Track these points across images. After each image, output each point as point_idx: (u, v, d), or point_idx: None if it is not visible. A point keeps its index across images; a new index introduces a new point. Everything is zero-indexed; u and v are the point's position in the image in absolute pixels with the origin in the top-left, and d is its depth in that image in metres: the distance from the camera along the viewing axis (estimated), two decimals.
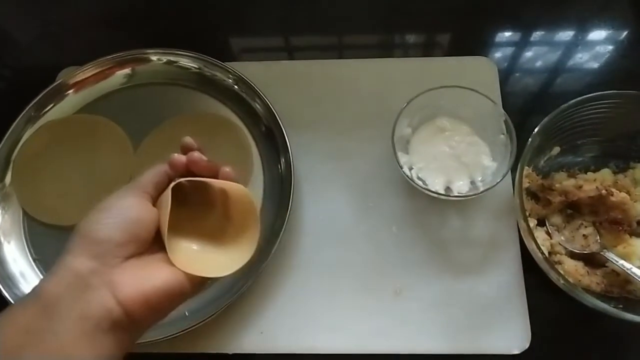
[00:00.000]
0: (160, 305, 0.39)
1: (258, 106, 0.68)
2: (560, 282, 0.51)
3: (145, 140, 0.67)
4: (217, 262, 0.43)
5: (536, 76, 0.73)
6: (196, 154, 0.44)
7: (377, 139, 0.61)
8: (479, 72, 0.70)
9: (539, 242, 0.57)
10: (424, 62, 0.72)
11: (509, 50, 0.75)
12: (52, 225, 0.64)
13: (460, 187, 0.61)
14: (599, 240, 0.57)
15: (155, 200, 0.44)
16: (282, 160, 0.64)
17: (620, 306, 0.52)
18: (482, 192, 0.58)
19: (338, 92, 0.70)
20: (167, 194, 0.42)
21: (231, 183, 0.44)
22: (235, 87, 0.69)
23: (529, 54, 0.75)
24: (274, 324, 0.59)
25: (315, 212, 0.64)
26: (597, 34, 0.76)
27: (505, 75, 0.71)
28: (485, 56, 0.72)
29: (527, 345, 0.56)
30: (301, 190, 0.65)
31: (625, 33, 0.76)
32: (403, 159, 0.61)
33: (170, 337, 0.56)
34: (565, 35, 0.76)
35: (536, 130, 0.56)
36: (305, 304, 0.60)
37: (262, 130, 0.67)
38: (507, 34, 0.77)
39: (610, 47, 0.75)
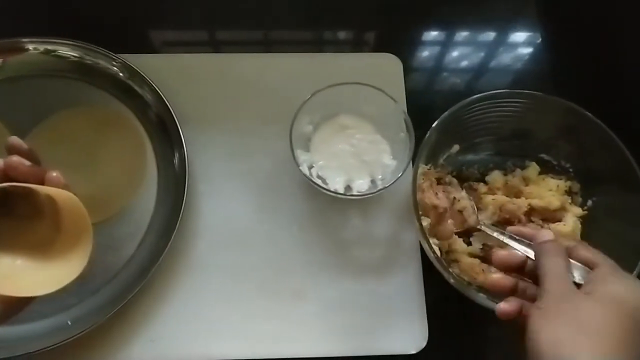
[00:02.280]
0: None
1: (148, 95, 0.64)
2: (451, 281, 0.51)
3: (29, 136, 0.62)
4: (39, 278, 0.39)
5: (443, 75, 0.74)
6: (15, 158, 0.39)
7: (279, 137, 0.60)
8: (384, 70, 0.70)
9: (437, 239, 0.57)
10: (330, 58, 0.71)
11: (418, 49, 0.75)
12: None
13: (361, 185, 0.60)
14: (475, 212, 0.57)
15: None
16: (177, 156, 0.61)
17: None
18: (379, 190, 0.57)
19: (240, 88, 0.68)
20: None
21: (60, 190, 0.40)
22: (121, 74, 0.65)
23: (438, 53, 0.75)
24: (166, 331, 0.56)
25: (212, 213, 0.61)
26: (505, 37, 0.78)
27: (413, 74, 0.71)
28: (395, 54, 0.71)
29: (424, 345, 0.56)
30: (198, 190, 0.62)
31: (531, 37, 0.78)
32: (303, 157, 0.60)
33: (50, 349, 0.52)
34: (475, 36, 0.77)
35: (432, 127, 0.56)
36: (200, 310, 0.57)
37: (154, 122, 0.64)
38: (418, 32, 0.77)
39: (518, 50, 0.76)
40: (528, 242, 0.46)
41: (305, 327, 0.57)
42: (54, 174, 0.40)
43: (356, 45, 0.76)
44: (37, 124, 0.62)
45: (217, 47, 0.75)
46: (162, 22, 0.75)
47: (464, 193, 0.58)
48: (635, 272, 0.50)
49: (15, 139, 0.41)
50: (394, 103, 0.59)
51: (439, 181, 0.59)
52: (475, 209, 0.57)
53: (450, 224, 0.57)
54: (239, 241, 0.60)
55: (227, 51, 0.73)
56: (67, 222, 0.41)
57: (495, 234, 0.51)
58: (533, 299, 0.41)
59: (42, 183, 0.40)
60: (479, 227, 0.55)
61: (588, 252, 0.42)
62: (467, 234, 0.59)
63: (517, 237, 0.48)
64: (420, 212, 0.54)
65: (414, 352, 0.56)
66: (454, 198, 0.57)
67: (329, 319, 0.57)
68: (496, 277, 0.46)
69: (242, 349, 0.56)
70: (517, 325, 0.42)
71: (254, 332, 0.56)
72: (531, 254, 0.45)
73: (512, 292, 0.45)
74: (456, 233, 0.57)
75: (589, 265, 0.41)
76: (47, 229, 0.42)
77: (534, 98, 0.58)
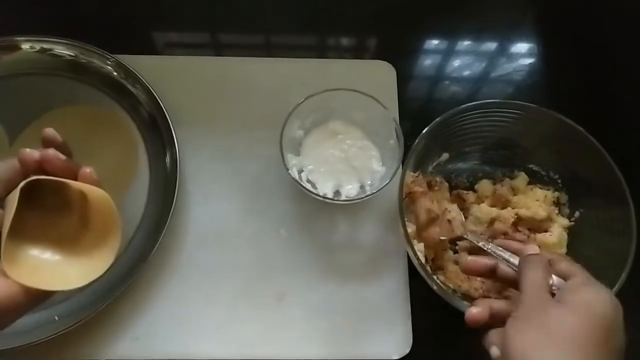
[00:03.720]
0: None
1: (141, 95, 0.65)
2: (434, 287, 0.51)
3: (23, 134, 0.62)
4: (65, 273, 0.39)
5: (437, 84, 0.75)
6: (51, 152, 0.39)
7: (270, 141, 0.60)
8: (378, 77, 0.70)
9: (423, 246, 0.57)
10: (324, 64, 0.72)
11: (412, 58, 0.76)
12: None
13: (349, 190, 0.61)
14: (462, 223, 0.57)
15: (2, 200, 0.39)
16: (168, 155, 0.62)
17: None
18: (367, 196, 0.58)
19: (233, 91, 0.68)
20: (15, 195, 0.37)
21: (92, 187, 0.40)
22: (115, 74, 0.66)
23: (432, 62, 0.76)
24: (151, 329, 0.57)
25: (200, 213, 0.62)
26: (501, 48, 0.78)
27: (407, 82, 0.72)
28: (389, 62, 0.72)
29: (407, 351, 0.57)
30: (187, 190, 0.63)
31: (527, 48, 0.78)
32: (293, 161, 0.60)
33: (37, 343, 0.52)
34: (470, 47, 0.78)
35: (421, 134, 0.56)
36: (185, 309, 0.58)
37: (147, 122, 0.64)
38: (412, 41, 0.77)
39: (513, 61, 0.77)
40: (510, 253, 0.48)
41: (289, 330, 0.57)
42: (88, 170, 0.40)
43: (351, 52, 0.77)
44: (31, 122, 0.63)
45: (212, 49, 0.76)
46: (157, 23, 0.76)
47: (455, 206, 0.59)
48: (619, 282, 0.50)
49: (51, 131, 0.41)
50: (385, 110, 0.60)
51: (430, 185, 0.59)
52: (464, 220, 0.58)
53: (436, 232, 0.57)
54: (226, 242, 0.60)
55: (221, 54, 0.74)
56: (96, 218, 0.41)
57: (480, 244, 0.52)
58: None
59: (74, 178, 0.40)
60: (465, 236, 0.56)
61: (566, 264, 0.43)
62: (452, 242, 0.59)
63: (501, 248, 0.49)
64: (411, 215, 0.54)
65: (396, 357, 0.56)
66: (445, 208, 0.57)
67: (313, 322, 0.58)
68: (471, 259, 0.49)
69: (225, 349, 0.56)
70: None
71: (237, 333, 0.57)
72: (514, 264, 0.46)
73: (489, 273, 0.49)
74: (442, 241, 0.57)
75: (565, 277, 0.42)
76: (74, 224, 0.42)
77: (524, 109, 0.58)
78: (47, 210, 0.41)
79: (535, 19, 0.80)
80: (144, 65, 0.66)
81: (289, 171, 0.58)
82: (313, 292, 0.59)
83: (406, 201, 0.57)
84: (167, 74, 0.67)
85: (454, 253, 0.59)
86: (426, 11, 0.79)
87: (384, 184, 0.57)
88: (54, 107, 0.64)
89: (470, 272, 0.50)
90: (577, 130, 0.57)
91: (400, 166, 0.56)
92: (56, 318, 0.55)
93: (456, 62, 0.76)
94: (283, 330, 0.57)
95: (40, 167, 0.39)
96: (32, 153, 0.39)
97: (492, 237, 0.57)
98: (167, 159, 0.62)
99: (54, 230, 0.41)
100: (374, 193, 0.57)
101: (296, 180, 0.58)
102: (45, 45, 0.66)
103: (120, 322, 0.57)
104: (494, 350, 0.41)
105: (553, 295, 0.41)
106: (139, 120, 0.65)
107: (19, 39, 0.66)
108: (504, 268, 0.47)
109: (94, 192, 0.40)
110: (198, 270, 0.59)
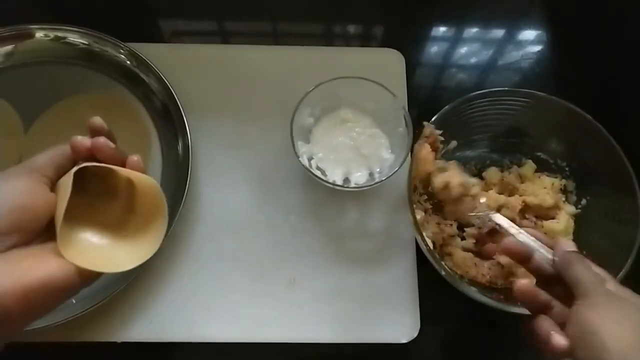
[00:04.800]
0: (42, 301, 0.36)
1: (154, 83, 0.66)
2: (442, 273, 0.52)
3: (38, 120, 0.64)
4: (115, 256, 0.40)
5: (446, 72, 0.75)
6: (102, 140, 0.40)
7: (280, 128, 0.61)
8: (387, 65, 0.71)
9: (431, 233, 0.58)
10: (334, 52, 0.72)
11: (421, 45, 0.76)
12: None
13: (358, 178, 0.61)
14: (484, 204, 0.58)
15: (54, 185, 0.40)
16: (180, 143, 0.63)
17: (502, 297, 0.54)
18: (376, 183, 0.59)
19: (244, 79, 0.69)
20: (68, 179, 0.38)
21: (139, 174, 0.42)
22: (128, 62, 0.67)
23: (441, 50, 0.76)
24: (164, 313, 0.58)
25: (213, 200, 0.63)
26: (510, 36, 0.78)
27: (416, 70, 0.72)
28: (398, 49, 0.72)
29: (415, 335, 0.58)
30: (199, 177, 0.64)
31: (536, 36, 0.78)
32: (303, 148, 0.61)
33: (55, 325, 0.53)
34: (479, 34, 0.78)
35: (430, 121, 0.57)
36: (197, 293, 0.59)
37: (159, 110, 0.65)
38: (422, 29, 0.78)
39: (522, 48, 0.77)
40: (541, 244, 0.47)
41: (299, 314, 0.58)
42: (135, 158, 0.42)
43: (360, 40, 0.77)
44: (46, 109, 0.64)
45: (223, 38, 0.76)
46: (170, 12, 0.76)
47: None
48: (624, 270, 0.51)
49: (98, 120, 0.42)
50: (394, 98, 0.60)
51: None
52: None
53: (466, 207, 0.58)
54: (237, 228, 0.62)
55: (232, 42, 0.74)
56: (142, 204, 0.43)
57: (511, 229, 0.51)
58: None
59: (122, 166, 0.42)
60: (492, 217, 0.54)
61: (599, 268, 0.43)
62: (460, 228, 0.60)
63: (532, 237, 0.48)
64: (436, 189, 0.57)
65: (405, 341, 0.57)
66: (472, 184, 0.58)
67: (322, 306, 0.59)
68: (523, 282, 0.44)
69: (235, 332, 0.58)
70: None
71: (248, 317, 0.58)
72: (545, 255, 0.45)
73: (522, 258, 0.46)
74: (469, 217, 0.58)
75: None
76: (120, 210, 0.43)
77: (532, 97, 0.59)
78: (93, 195, 0.43)
79: (543, 5, 0.80)
80: (154, 53, 0.66)
81: (299, 158, 0.58)
82: (323, 278, 0.60)
83: (426, 178, 0.59)
84: (178, 62, 0.68)
85: (462, 240, 0.60)
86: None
87: (393, 171, 0.58)
88: (68, 94, 0.65)
89: (508, 251, 0.47)
90: (585, 119, 0.57)
91: (409, 154, 0.57)
92: (74, 301, 0.56)
93: (464, 50, 0.76)
94: (294, 314, 0.58)
95: (91, 154, 0.41)
96: (84, 140, 0.41)
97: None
98: (180, 147, 0.63)
99: (100, 214, 0.42)
100: (382, 180, 0.58)
101: (306, 168, 0.58)
102: (59, 34, 0.67)
103: (135, 306, 0.58)
104: (558, 339, 0.39)
105: None
106: (151, 108, 0.66)
107: (33, 27, 0.66)
108: (539, 256, 0.45)
109: (142, 179, 0.42)
110: (210, 255, 0.61)
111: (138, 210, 0.43)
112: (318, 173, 0.60)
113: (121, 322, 0.57)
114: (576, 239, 0.59)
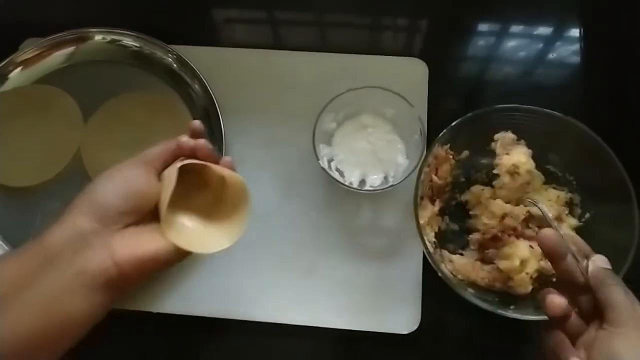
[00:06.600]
0: (149, 269, 0.45)
1: (197, 86, 0.72)
2: (440, 275, 0.57)
3: (95, 114, 0.72)
4: (205, 239, 0.49)
5: (469, 82, 0.78)
6: (203, 141, 0.50)
7: (306, 131, 0.66)
8: (410, 73, 0.74)
9: (433, 237, 0.63)
10: (362, 60, 0.76)
11: (446, 56, 0.79)
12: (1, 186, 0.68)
13: (374, 180, 0.67)
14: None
15: (159, 175, 0.49)
16: (217, 144, 0.69)
17: (497, 299, 0.59)
18: (390, 186, 0.63)
19: (274, 83, 0.75)
20: (174, 172, 0.47)
21: (230, 171, 0.50)
22: (174, 65, 0.74)
23: (465, 60, 0.79)
24: (195, 291, 0.66)
25: None
26: (538, 43, 0.80)
27: (439, 79, 0.75)
28: (422, 59, 0.75)
29: (415, 327, 0.63)
30: None
31: (567, 48, 0.80)
32: (325, 150, 0.67)
33: None
34: (513, 43, 0.80)
35: (446, 128, 0.61)
36: (226, 276, 0.66)
37: (199, 110, 0.72)
38: (447, 39, 0.80)
39: (549, 61, 0.79)
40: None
41: (315, 300, 0.65)
42: (228, 159, 0.51)
43: (386, 48, 0.80)
44: (101, 104, 0.72)
45: (257, 43, 0.80)
46: (209, 15, 0.83)
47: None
48: (620, 275, 0.52)
49: (198, 124, 0.51)
50: (411, 108, 0.65)
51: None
52: None
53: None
54: (264, 220, 0.68)
55: (265, 47, 0.78)
56: (230, 197, 0.50)
57: (554, 222, 0.51)
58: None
59: (216, 163, 0.50)
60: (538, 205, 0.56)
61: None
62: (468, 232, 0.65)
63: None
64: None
65: (405, 332, 0.63)
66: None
67: (334, 295, 0.65)
68: (559, 299, 0.43)
69: (256, 312, 0.64)
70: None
71: (269, 300, 0.65)
72: (580, 262, 0.45)
73: (555, 255, 0.45)
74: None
75: None
76: (209, 201, 0.51)
77: (552, 117, 0.61)
78: (189, 186, 0.51)
79: (577, 23, 0.81)
80: (194, 55, 0.73)
81: (319, 160, 0.64)
82: (338, 269, 0.66)
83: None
84: (216, 64, 0.74)
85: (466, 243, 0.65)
86: (461, 9, 0.82)
87: (405, 176, 0.63)
88: (120, 92, 0.73)
89: (545, 242, 0.45)
90: (602, 148, 0.59)
91: (420, 161, 0.62)
92: None
93: (490, 62, 0.79)
94: (310, 300, 0.65)
95: (192, 152, 0.50)
96: (189, 141, 0.50)
97: (502, 232, 0.62)
98: (215, 147, 0.69)
99: (194, 203, 0.51)
100: (396, 184, 0.63)
101: (325, 169, 0.64)
102: (115, 37, 0.75)
103: (168, 282, 0.66)
104: None
105: None
106: (193, 108, 0.72)
107: (92, 30, 0.75)
108: (573, 261, 0.44)
109: (232, 175, 0.50)
110: (240, 242, 0.66)
111: (226, 201, 0.51)
112: (336, 174, 0.65)
113: (155, 296, 0.65)
114: None
